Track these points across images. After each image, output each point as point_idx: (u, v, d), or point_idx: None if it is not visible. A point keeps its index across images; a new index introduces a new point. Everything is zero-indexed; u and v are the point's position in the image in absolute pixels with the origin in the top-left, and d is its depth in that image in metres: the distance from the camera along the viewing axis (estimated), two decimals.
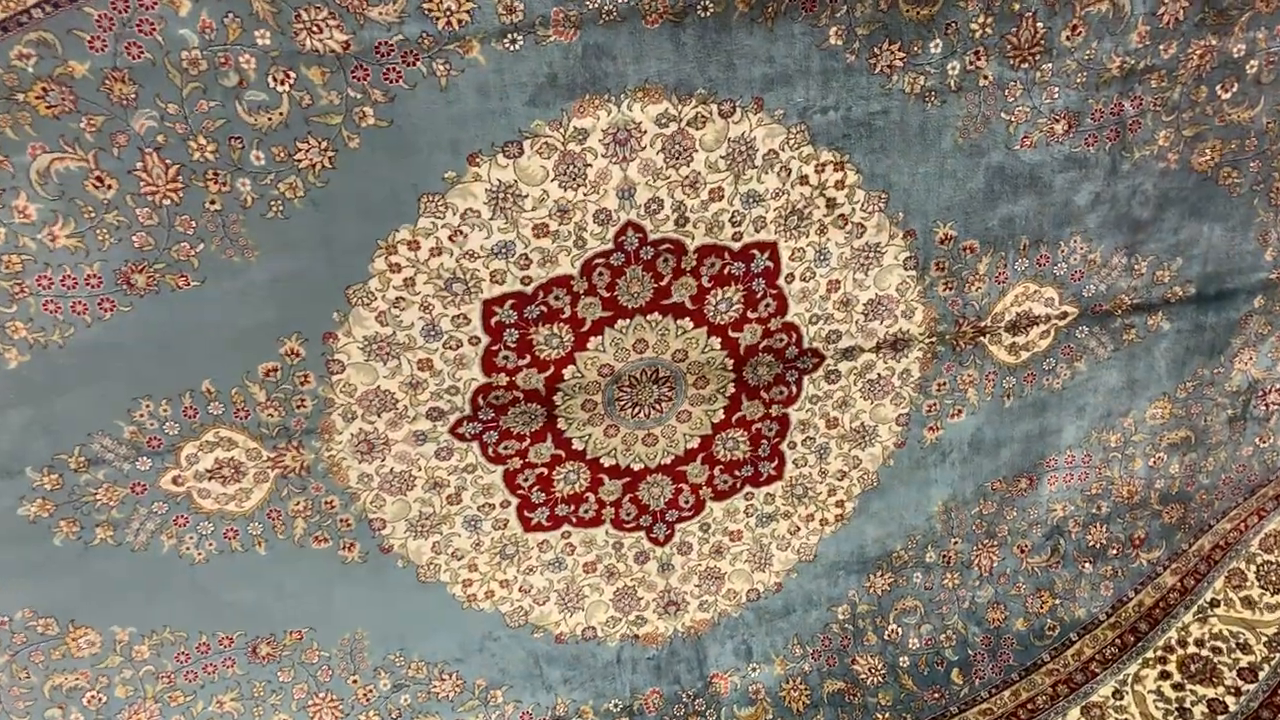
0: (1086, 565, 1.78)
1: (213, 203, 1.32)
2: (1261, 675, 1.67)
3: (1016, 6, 1.36)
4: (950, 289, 1.55)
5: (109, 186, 1.29)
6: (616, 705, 1.74)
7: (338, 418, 1.50)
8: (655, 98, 1.32)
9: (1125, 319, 1.63)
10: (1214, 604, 1.80)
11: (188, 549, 1.56)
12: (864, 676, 1.74)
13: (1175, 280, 1.61)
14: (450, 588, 1.66)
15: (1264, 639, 1.73)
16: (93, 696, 1.61)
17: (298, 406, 1.48)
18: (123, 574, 1.56)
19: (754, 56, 1.32)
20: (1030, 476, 1.71)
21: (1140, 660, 1.76)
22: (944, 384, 1.63)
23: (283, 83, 1.25)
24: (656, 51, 1.29)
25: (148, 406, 1.46)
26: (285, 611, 1.63)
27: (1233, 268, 1.61)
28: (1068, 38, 1.39)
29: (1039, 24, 1.38)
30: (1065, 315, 1.62)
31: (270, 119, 1.27)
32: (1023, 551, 1.76)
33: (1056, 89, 1.43)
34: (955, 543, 1.73)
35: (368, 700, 1.67)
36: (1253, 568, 1.81)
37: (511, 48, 1.26)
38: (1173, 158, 1.52)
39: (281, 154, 1.29)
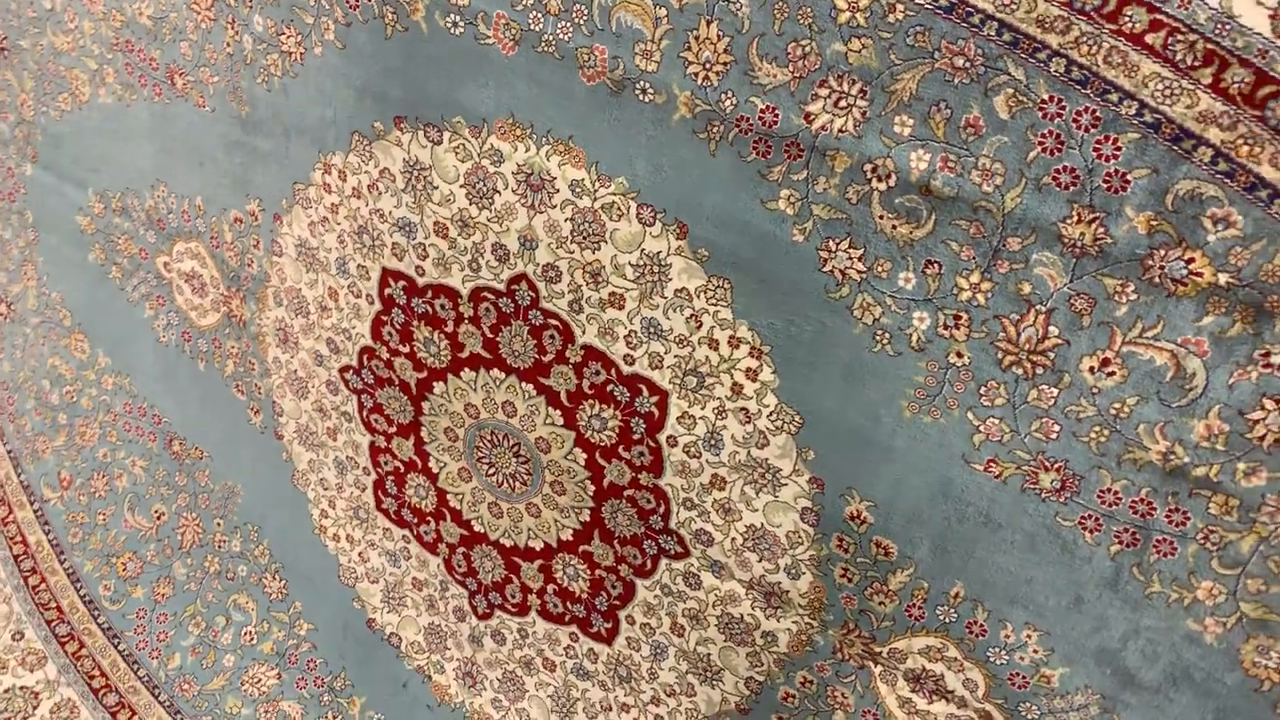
0: None
1: (228, 45, 1.36)
2: None
3: (1026, 289, 0.92)
4: (850, 581, 1.16)
5: None
6: (380, 719, 1.63)
7: (270, 296, 1.51)
8: (575, 161, 1.11)
9: None
10: None
11: (159, 326, 1.69)
12: None
13: None
14: (311, 508, 1.63)
15: None
16: (68, 393, 1.83)
17: (248, 264, 1.51)
18: (119, 315, 1.75)
19: (687, 172, 1.04)
20: None
21: None
22: (811, 682, 1.24)
23: None
24: (586, 114, 1.07)
25: (162, 191, 1.58)
26: (200, 429, 1.72)
27: None
28: (1091, 370, 0.92)
29: (1051, 328, 0.92)
30: (988, 718, 1.14)
31: None
32: None
33: (1057, 429, 0.96)
34: None
35: (218, 547, 1.73)
36: None
37: (453, 30, 1.12)
38: (1212, 627, 0.96)
39: (273, 29, 1.29)
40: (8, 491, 1.86)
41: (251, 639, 1.71)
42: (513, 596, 1.47)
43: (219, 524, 1.73)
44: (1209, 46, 0.77)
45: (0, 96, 1.70)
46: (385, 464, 1.50)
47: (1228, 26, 0.76)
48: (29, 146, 1.70)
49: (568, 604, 1.42)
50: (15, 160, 1.72)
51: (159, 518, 1.78)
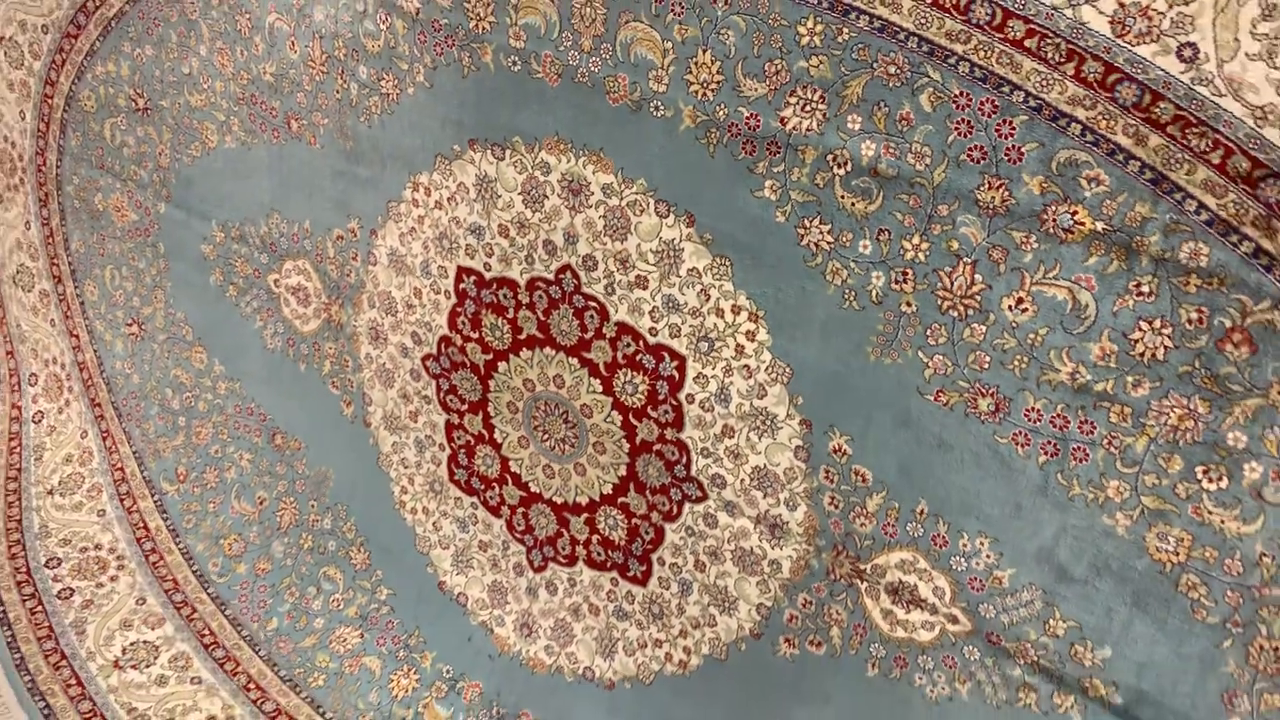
0: None
1: (337, 92, 1.69)
2: None
3: (954, 246, 1.18)
4: (836, 507, 1.40)
5: (295, 50, 1.72)
6: (448, 672, 1.88)
7: (364, 300, 1.82)
8: (605, 168, 1.40)
9: (1027, 675, 1.32)
10: None
11: (267, 335, 2.01)
12: None
13: (1097, 671, 1.26)
14: (393, 485, 1.92)
15: None
16: (187, 399, 2.16)
17: (347, 274, 1.83)
18: (233, 326, 2.07)
19: (692, 172, 1.33)
20: None
21: None
22: (810, 603, 1.48)
23: (383, 22, 1.56)
24: (612, 129, 1.37)
25: (276, 218, 1.91)
26: (299, 423, 2.02)
27: (1180, 711, 1.22)
28: (1012, 307, 1.18)
29: (976, 276, 1.18)
30: (955, 620, 1.36)
31: (373, 46, 1.59)
32: None
33: (988, 359, 1.21)
34: None
35: (312, 526, 2.02)
36: None
37: (513, 68, 1.43)
38: (1122, 520, 1.19)
39: (375, 76, 1.62)
40: (133, 486, 2.18)
41: (338, 605, 1.98)
42: (563, 549, 1.73)
43: (313, 505, 2.01)
44: (1069, 47, 1.05)
45: (142, 149, 2.05)
46: (458, 439, 1.79)
47: (1081, 31, 1.03)
48: (164, 189, 2.05)
49: (609, 552, 1.67)
50: (151, 201, 2.07)
51: (261, 503, 2.08)
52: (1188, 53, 0.99)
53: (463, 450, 1.78)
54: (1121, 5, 1.00)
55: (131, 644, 1.90)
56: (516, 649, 1.82)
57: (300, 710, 1.81)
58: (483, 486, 1.78)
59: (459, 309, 1.66)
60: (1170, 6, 0.97)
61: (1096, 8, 1.02)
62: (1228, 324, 1.06)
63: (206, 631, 1.95)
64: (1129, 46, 1.01)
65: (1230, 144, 0.99)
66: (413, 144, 1.61)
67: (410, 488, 1.88)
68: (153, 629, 1.94)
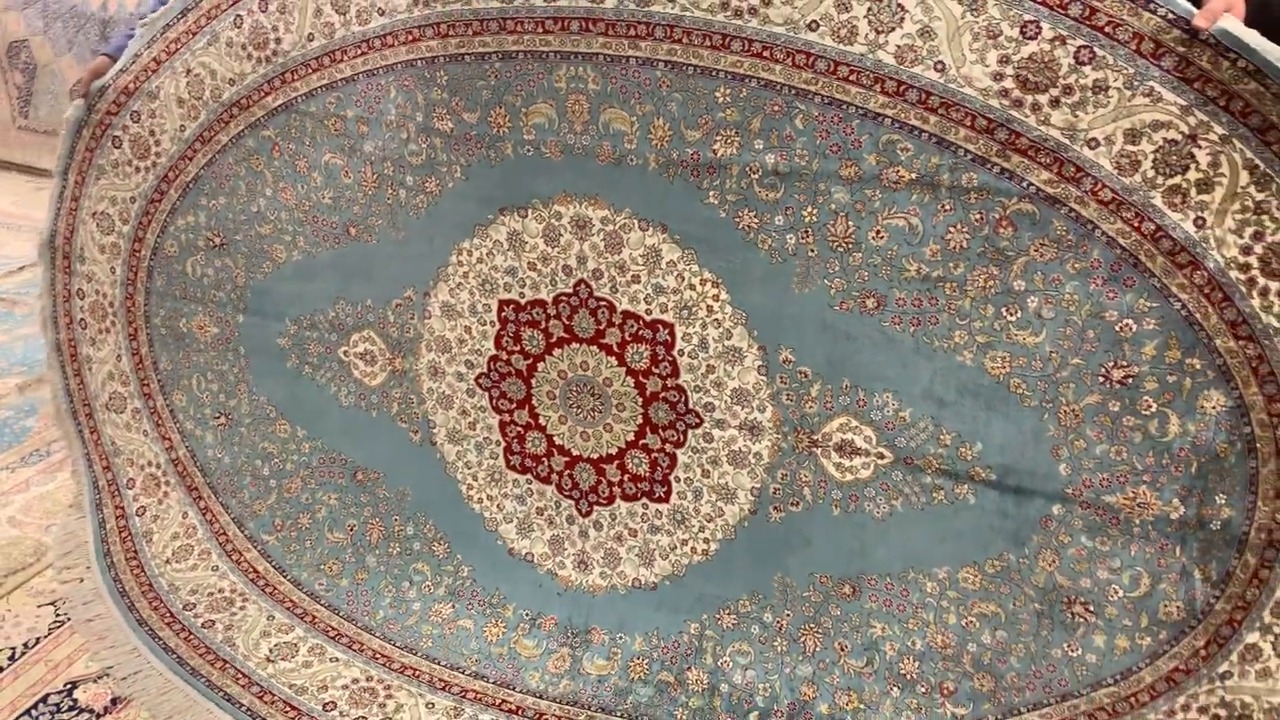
0: (894, 689, 2.14)
1: (388, 199, 2.39)
2: None
3: (832, 207, 1.94)
4: (790, 400, 2.11)
5: (349, 177, 2.42)
6: (526, 614, 2.49)
7: (423, 347, 2.48)
8: (600, 206, 2.12)
9: (935, 479, 2.02)
10: None
11: (341, 396, 2.64)
12: (689, 682, 2.29)
13: (977, 462, 1.97)
14: (460, 485, 2.54)
15: None
16: (276, 464, 2.75)
17: (406, 332, 2.49)
18: (311, 398, 2.68)
19: (661, 197, 2.06)
20: (853, 585, 2.15)
21: None
22: (786, 475, 2.16)
23: (424, 142, 2.27)
24: (603, 179, 2.10)
25: (341, 304, 2.57)
26: (375, 458, 2.62)
27: (1030, 470, 1.92)
28: (873, 238, 1.93)
29: (850, 222, 1.94)
30: (883, 456, 2.07)
31: (416, 160, 2.29)
32: (841, 650, 2.18)
33: (866, 274, 1.96)
34: (788, 615, 2.22)
35: (398, 535, 2.62)
36: None
37: (527, 153, 2.16)
38: (968, 356, 1.93)
39: (419, 182, 2.32)
40: (237, 544, 2.75)
41: (429, 589, 2.57)
42: (603, 492, 2.38)
43: (396, 520, 2.62)
44: (874, 75, 1.83)
45: (220, 276, 2.68)
46: (510, 432, 2.44)
47: (879, 65, 1.82)
48: (241, 302, 2.68)
49: (638, 484, 2.34)
50: (230, 314, 2.69)
51: (351, 529, 2.67)
52: (939, 67, 1.78)
53: (515, 440, 2.43)
54: (899, 47, 1.80)
55: (274, 645, 2.45)
56: (577, 582, 2.45)
57: (421, 664, 2.39)
58: (534, 464, 2.43)
59: (503, 332, 2.34)
60: (925, 42, 1.77)
61: (885, 50, 1.81)
62: (997, 216, 1.83)
63: (329, 628, 2.51)
64: (907, 68, 1.80)
65: (974, 113, 1.78)
66: (455, 222, 2.30)
67: (475, 483, 2.51)
68: (286, 634, 2.49)
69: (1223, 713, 1.82)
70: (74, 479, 2.86)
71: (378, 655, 2.41)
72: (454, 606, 2.51)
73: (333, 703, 2.27)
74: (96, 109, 2.62)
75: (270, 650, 2.43)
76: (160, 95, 2.54)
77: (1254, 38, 1.55)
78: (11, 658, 2.38)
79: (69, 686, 2.32)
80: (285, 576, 2.65)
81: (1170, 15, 1.59)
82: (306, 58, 2.35)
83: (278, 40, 2.37)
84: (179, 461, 2.79)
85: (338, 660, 2.41)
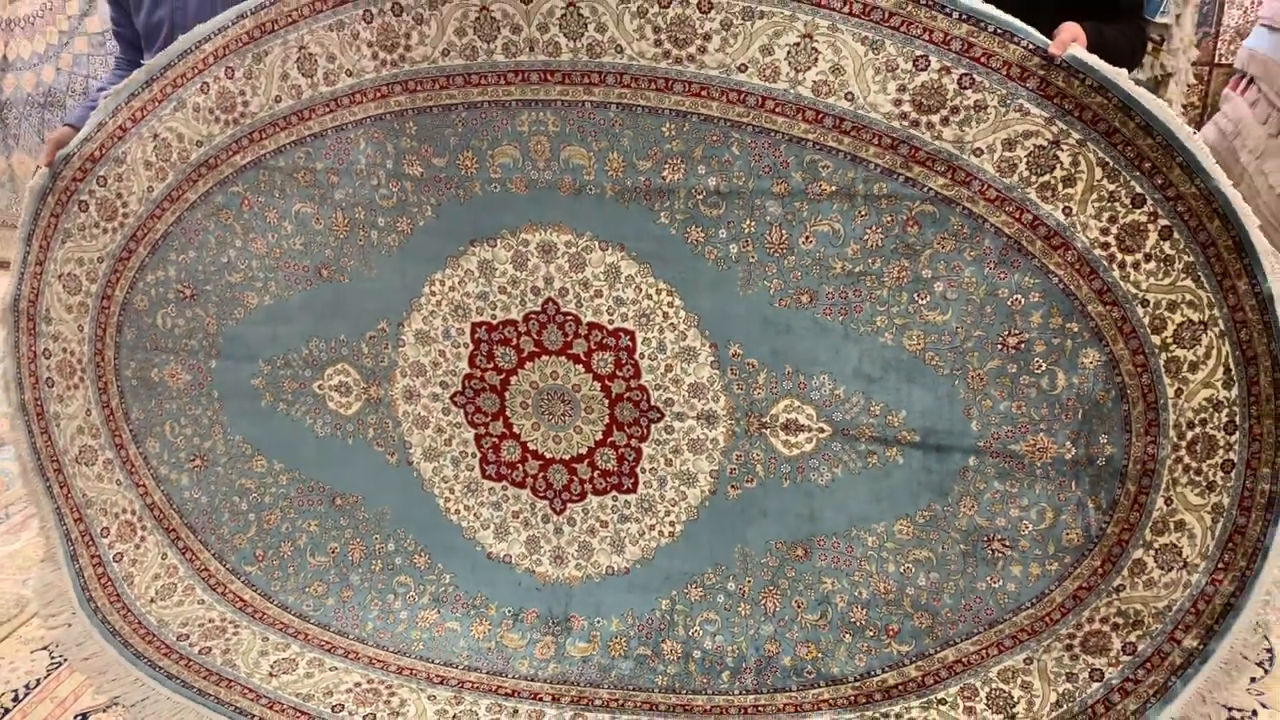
0: (847, 636, 2.45)
1: (360, 241, 2.64)
2: None
3: (767, 218, 2.29)
4: (741, 390, 2.44)
5: (320, 224, 2.66)
6: (509, 611, 2.72)
7: (397, 374, 2.72)
8: (564, 232, 2.42)
9: (868, 445, 2.37)
10: (941, 701, 2.41)
11: (317, 427, 2.84)
12: (665, 653, 2.56)
13: (902, 427, 2.33)
14: (438, 499, 2.76)
15: None
16: (254, 498, 2.93)
17: (381, 361, 2.72)
18: (286, 432, 2.87)
19: (618, 220, 2.37)
20: (805, 547, 2.46)
21: (856, 713, 2.41)
22: (740, 456, 2.47)
23: (394, 186, 2.54)
24: (566, 207, 2.40)
25: (316, 342, 2.79)
26: (353, 482, 2.82)
27: (947, 429, 2.28)
28: (803, 243, 2.29)
29: (783, 230, 2.29)
30: (823, 430, 2.41)
31: (387, 203, 2.55)
32: (798, 606, 2.49)
33: (799, 274, 2.31)
34: (749, 581, 2.52)
35: (379, 553, 2.83)
36: (986, 688, 2.38)
37: (495, 189, 2.45)
38: (889, 337, 2.29)
39: (391, 223, 2.58)
40: (220, 578, 2.90)
41: (414, 599, 2.78)
42: (575, 490, 2.66)
43: (376, 538, 2.82)
44: (796, 106, 2.20)
45: (191, 325, 2.85)
46: (486, 444, 2.69)
47: (799, 98, 2.20)
48: (213, 349, 2.85)
49: (607, 479, 2.62)
50: (202, 360, 2.87)
51: (333, 552, 2.86)
52: (849, 97, 2.16)
53: (490, 450, 2.68)
54: (815, 82, 2.17)
55: (274, 662, 2.62)
56: (554, 576, 2.70)
57: (416, 664, 2.60)
58: (509, 471, 2.69)
59: (476, 351, 2.61)
60: (836, 77, 2.15)
61: (804, 86, 2.18)
62: (904, 217, 2.21)
63: (323, 642, 2.70)
64: (822, 99, 2.18)
65: (880, 133, 2.16)
66: (426, 256, 2.56)
67: (452, 495, 2.75)
68: (283, 651, 2.67)
69: (1120, 620, 2.19)
70: (43, 534, 2.95)
71: (374, 661, 2.61)
72: (439, 612, 2.73)
73: (340, 704, 2.46)
74: (61, 176, 2.78)
75: (271, 666, 2.60)
76: (127, 160, 2.73)
77: (1096, 61, 1.97)
78: (16, 699, 2.48)
79: (80, 718, 2.43)
80: (272, 602, 2.81)
81: (1031, 46, 2.00)
82: (274, 118, 2.58)
83: (245, 103, 2.60)
84: (155, 506, 2.93)
85: (337, 669, 2.59)
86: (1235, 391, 2.01)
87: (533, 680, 2.48)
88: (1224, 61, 5.48)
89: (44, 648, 2.66)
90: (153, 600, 2.80)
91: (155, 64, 2.65)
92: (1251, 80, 4.97)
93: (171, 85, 2.64)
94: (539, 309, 2.45)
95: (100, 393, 2.89)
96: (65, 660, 2.60)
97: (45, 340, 2.90)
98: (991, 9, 2.01)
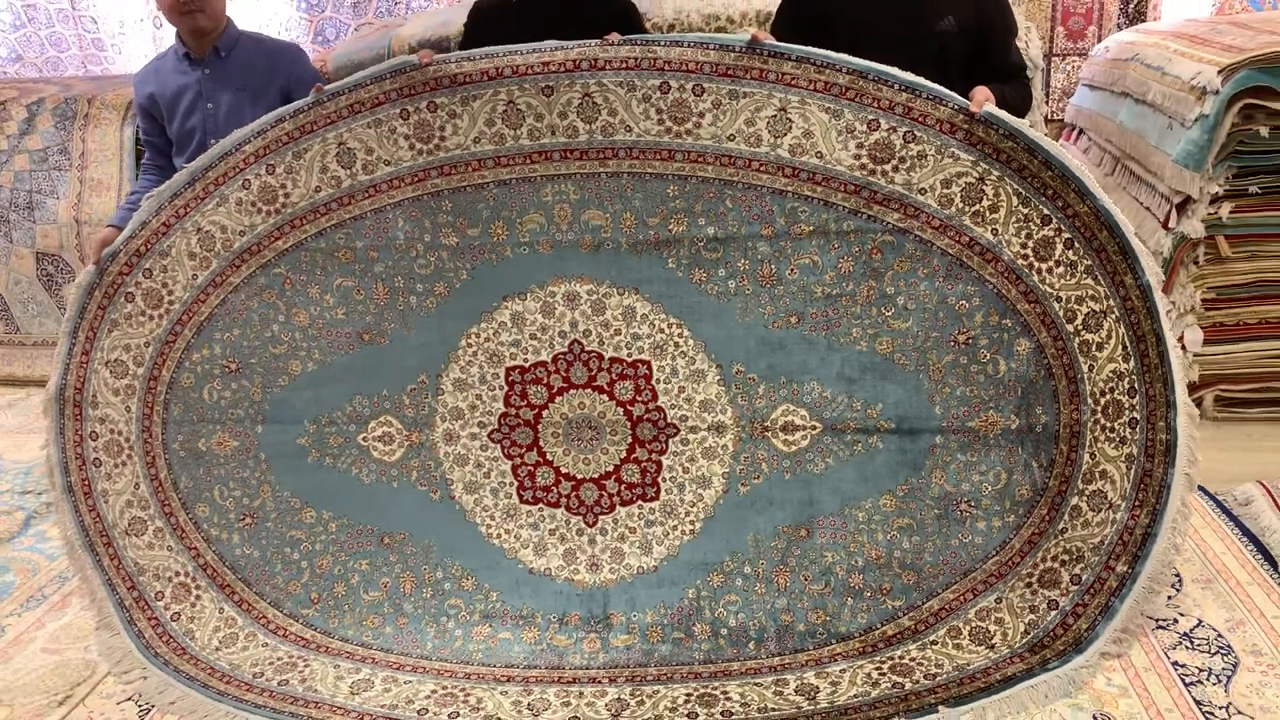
0: (849, 599, 2.93)
1: (400, 306, 3.04)
2: (939, 678, 2.75)
3: (759, 256, 2.81)
4: (745, 401, 2.93)
5: (360, 294, 3.06)
6: (553, 616, 3.11)
7: (438, 420, 3.11)
8: (586, 281, 2.89)
9: (853, 436, 2.88)
10: (933, 642, 2.89)
11: (363, 476, 3.20)
12: (697, 635, 2.99)
13: (880, 418, 2.86)
14: (480, 527, 3.14)
15: (954, 664, 2.81)
16: (305, 547, 3.25)
17: (422, 410, 3.12)
18: (334, 484, 3.20)
19: (633, 268, 2.85)
20: (807, 528, 2.94)
21: (866, 660, 2.89)
22: (747, 457, 2.96)
23: (432, 257, 2.96)
24: (583, 260, 2.87)
25: (359, 399, 3.16)
26: (399, 521, 3.15)
27: (917, 415, 2.81)
28: (789, 274, 2.82)
29: (772, 266, 2.82)
30: (816, 428, 2.93)
31: (425, 271, 2.98)
32: (805, 580, 2.97)
33: (788, 300, 2.84)
34: (762, 564, 2.98)
35: (429, 581, 3.18)
36: (968, 627, 2.88)
37: (524, 251, 2.91)
38: (863, 343, 2.82)
39: (428, 288, 3.00)
40: (279, 623, 3.20)
41: (466, 618, 3.14)
42: (605, 504, 3.09)
43: (425, 568, 3.17)
44: (778, 165, 2.75)
45: (237, 396, 3.18)
46: (522, 473, 3.10)
47: (773, 158, 2.75)
48: (260, 415, 3.17)
49: (632, 491, 3.06)
50: (248, 427, 3.18)
51: (385, 586, 3.20)
52: (819, 155, 2.72)
53: (526, 477, 3.10)
54: (791, 145, 2.72)
55: (351, 683, 2.88)
56: (591, 581, 3.11)
57: (480, 669, 2.96)
58: (544, 494, 3.09)
59: (510, 392, 3.04)
60: (807, 140, 2.71)
61: (781, 149, 2.73)
62: (870, 246, 2.76)
63: (390, 662, 3.02)
64: (797, 158, 2.73)
65: (845, 182, 2.72)
66: (463, 313, 2.99)
67: (493, 522, 3.13)
68: (356, 674, 2.98)
69: (1066, 557, 2.73)
70: (95, 606, 3.18)
71: (442, 672, 2.95)
72: (491, 625, 3.09)
73: (424, 709, 2.80)
74: (108, 271, 3.09)
75: (350, 687, 2.92)
76: (172, 252, 3.06)
77: (1005, 115, 2.59)
78: None
79: None
80: (333, 637, 3.12)
81: (956, 106, 2.60)
82: (315, 205, 2.99)
83: (286, 194, 2.99)
84: (207, 565, 3.21)
85: (410, 681, 2.93)
86: (1132, 364, 2.60)
87: (588, 669, 2.88)
88: (1055, 117, 6.38)
89: (129, 699, 2.89)
90: (218, 649, 3.05)
91: (197, 165, 3.00)
92: (1081, 131, 5.85)
93: (213, 184, 3.00)
94: (566, 349, 2.90)
95: (148, 467, 3.15)
96: (154, 706, 2.84)
97: (91, 424, 3.15)
98: (923, 80, 2.61)
